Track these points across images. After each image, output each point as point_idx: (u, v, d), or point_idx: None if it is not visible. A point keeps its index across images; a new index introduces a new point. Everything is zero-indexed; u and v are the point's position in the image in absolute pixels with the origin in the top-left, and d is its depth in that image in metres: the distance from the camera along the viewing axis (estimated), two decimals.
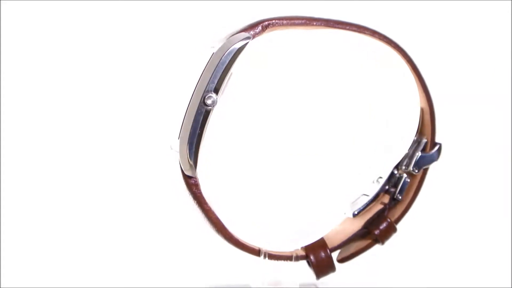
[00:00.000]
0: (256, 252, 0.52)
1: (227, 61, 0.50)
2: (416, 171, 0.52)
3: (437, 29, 0.74)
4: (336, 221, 0.54)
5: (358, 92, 0.67)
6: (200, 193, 0.52)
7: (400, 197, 0.52)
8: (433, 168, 0.53)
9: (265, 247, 0.52)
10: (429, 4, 0.73)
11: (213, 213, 0.52)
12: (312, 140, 0.74)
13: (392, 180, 0.53)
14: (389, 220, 0.52)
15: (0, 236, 0.65)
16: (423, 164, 0.52)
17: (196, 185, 0.52)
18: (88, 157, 0.81)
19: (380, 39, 0.50)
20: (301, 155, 0.74)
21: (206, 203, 0.52)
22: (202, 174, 0.52)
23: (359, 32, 0.50)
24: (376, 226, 0.52)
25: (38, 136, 0.82)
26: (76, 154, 0.81)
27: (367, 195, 0.53)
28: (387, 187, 0.53)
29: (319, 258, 0.52)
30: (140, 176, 0.79)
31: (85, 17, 0.82)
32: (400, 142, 0.53)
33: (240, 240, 0.52)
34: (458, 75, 0.74)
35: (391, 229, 0.52)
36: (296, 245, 0.53)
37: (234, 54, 0.50)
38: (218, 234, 0.52)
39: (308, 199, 0.65)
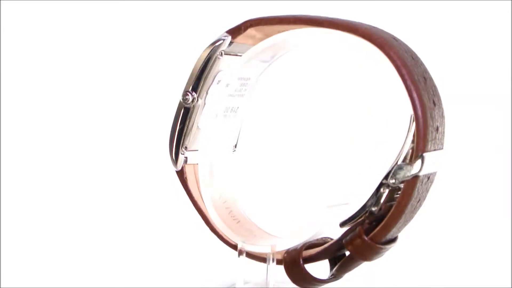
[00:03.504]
0: (235, 247, 0.52)
1: (203, 61, 0.52)
2: (393, 182, 0.45)
3: (436, 30, 0.74)
4: (325, 226, 0.50)
5: (358, 92, 0.67)
6: (187, 185, 0.54)
7: (373, 210, 0.46)
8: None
9: (240, 244, 0.51)
10: (428, 4, 0.73)
11: (198, 205, 0.54)
12: (311, 140, 0.74)
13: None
14: (365, 238, 0.46)
15: (0, 236, 0.65)
16: (402, 176, 0.45)
17: (183, 177, 0.54)
18: (90, 157, 0.81)
19: (365, 38, 0.46)
20: (300, 155, 0.74)
21: (192, 195, 0.54)
22: (187, 169, 0.54)
23: (348, 31, 0.47)
24: (349, 242, 0.47)
25: (35, 134, 0.82)
26: (77, 154, 0.82)
27: (353, 205, 0.47)
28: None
29: (292, 268, 0.48)
30: (138, 173, 0.80)
31: (81, 19, 0.82)
32: (393, 145, 0.47)
33: (220, 233, 0.53)
34: (457, 77, 0.74)
35: (367, 248, 0.46)
36: (268, 248, 0.50)
37: (209, 53, 0.52)
38: (206, 225, 0.54)
39: (301, 200, 0.65)
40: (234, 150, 0.56)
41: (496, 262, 0.62)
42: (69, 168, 0.81)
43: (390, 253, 0.49)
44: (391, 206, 0.46)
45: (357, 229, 0.47)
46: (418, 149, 0.44)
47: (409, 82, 0.44)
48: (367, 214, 0.46)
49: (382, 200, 0.46)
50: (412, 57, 0.46)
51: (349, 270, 0.49)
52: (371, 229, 0.46)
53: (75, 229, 0.68)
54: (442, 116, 0.47)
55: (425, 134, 0.44)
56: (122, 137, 0.82)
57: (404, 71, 0.44)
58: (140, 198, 0.76)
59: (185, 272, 0.58)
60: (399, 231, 0.48)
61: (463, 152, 0.75)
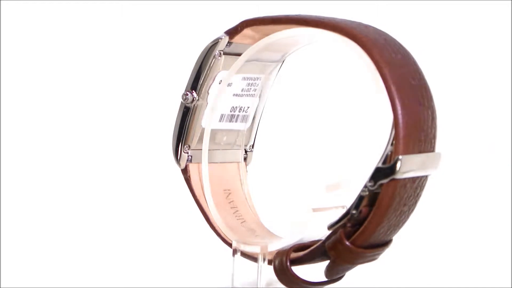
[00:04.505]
0: (230, 245, 0.52)
1: (201, 61, 0.53)
2: (371, 185, 0.43)
3: (437, 31, 0.74)
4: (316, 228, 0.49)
5: (358, 92, 0.67)
6: (190, 183, 0.55)
7: (354, 213, 0.44)
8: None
9: (234, 243, 0.51)
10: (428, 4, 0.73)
11: (200, 204, 0.54)
12: (311, 140, 0.74)
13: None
14: (344, 241, 0.45)
15: (0, 236, 0.65)
16: (378, 178, 0.43)
17: (187, 175, 0.55)
18: (94, 155, 0.82)
19: (349, 37, 0.45)
20: (299, 155, 0.74)
21: (195, 194, 0.55)
22: (191, 168, 0.55)
23: (334, 31, 0.46)
24: (331, 245, 0.46)
25: (39, 133, 0.83)
26: (81, 153, 0.82)
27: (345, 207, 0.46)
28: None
29: (280, 269, 0.48)
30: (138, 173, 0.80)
31: (81, 19, 0.82)
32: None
33: (218, 231, 0.53)
34: (458, 78, 0.74)
35: (347, 251, 0.45)
36: (258, 248, 0.50)
37: (206, 53, 0.53)
38: (207, 222, 0.54)
39: (300, 200, 0.65)
40: (251, 150, 0.57)
41: (496, 263, 0.62)
42: (73, 167, 0.81)
43: (390, 255, 0.49)
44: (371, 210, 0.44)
45: (339, 232, 0.45)
46: (395, 151, 0.43)
47: (390, 81, 0.43)
48: (349, 217, 0.45)
49: (362, 203, 0.44)
50: (403, 57, 0.45)
51: (337, 273, 0.47)
52: (353, 232, 0.45)
53: (76, 227, 0.69)
54: (432, 118, 0.45)
55: (404, 135, 0.43)
56: (126, 136, 0.83)
57: (385, 71, 0.44)
58: (142, 197, 0.77)
59: (184, 271, 0.59)
60: (387, 235, 0.46)
61: (465, 155, 0.75)
